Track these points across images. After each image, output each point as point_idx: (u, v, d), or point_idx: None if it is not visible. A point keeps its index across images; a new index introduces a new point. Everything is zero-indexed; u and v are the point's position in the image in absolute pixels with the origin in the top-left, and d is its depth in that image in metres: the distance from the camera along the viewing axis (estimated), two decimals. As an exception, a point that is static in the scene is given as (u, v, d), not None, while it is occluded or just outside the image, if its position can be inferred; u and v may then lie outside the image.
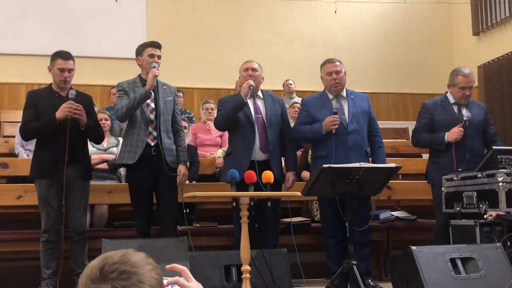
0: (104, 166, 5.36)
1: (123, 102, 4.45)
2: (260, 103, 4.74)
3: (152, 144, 4.46)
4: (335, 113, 4.50)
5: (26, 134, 4.51)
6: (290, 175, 4.72)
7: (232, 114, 4.58)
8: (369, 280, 4.46)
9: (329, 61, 4.74)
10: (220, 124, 4.80)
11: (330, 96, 4.73)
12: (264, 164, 4.49)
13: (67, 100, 4.33)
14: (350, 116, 4.61)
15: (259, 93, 4.78)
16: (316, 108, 4.70)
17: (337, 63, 4.71)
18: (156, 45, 4.61)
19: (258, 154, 4.57)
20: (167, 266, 1.66)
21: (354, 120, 4.62)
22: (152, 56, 4.53)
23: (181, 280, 1.60)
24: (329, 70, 4.69)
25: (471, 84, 4.74)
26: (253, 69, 4.70)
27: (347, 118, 4.60)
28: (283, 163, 4.84)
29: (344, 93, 4.73)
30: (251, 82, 4.56)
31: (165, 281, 1.47)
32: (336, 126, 4.47)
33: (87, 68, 8.26)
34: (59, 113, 4.23)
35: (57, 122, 4.24)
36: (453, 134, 4.56)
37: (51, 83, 4.51)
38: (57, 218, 4.31)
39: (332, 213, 4.50)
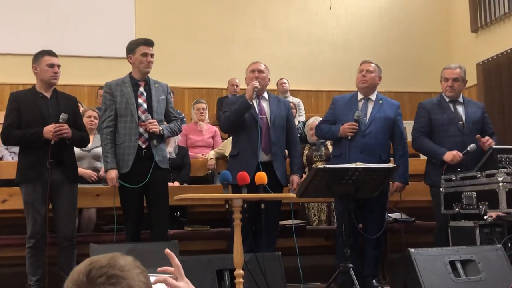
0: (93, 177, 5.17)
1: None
2: (265, 104, 4.74)
3: (144, 146, 4.38)
4: (356, 121, 4.57)
5: (7, 141, 4.46)
6: (295, 178, 4.71)
7: (237, 117, 4.59)
8: (374, 281, 4.52)
9: (365, 62, 4.86)
10: (225, 126, 4.84)
11: (359, 97, 4.78)
12: (267, 165, 4.49)
13: (52, 102, 4.32)
14: (370, 119, 4.66)
15: (265, 94, 4.79)
16: (342, 108, 4.78)
17: (373, 64, 4.81)
18: (149, 43, 4.52)
19: (261, 155, 4.57)
20: (158, 269, 1.66)
21: (372, 124, 4.64)
22: (145, 55, 4.46)
23: (170, 279, 1.58)
24: (361, 68, 4.81)
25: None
26: (259, 71, 4.72)
27: (366, 121, 4.65)
28: (286, 166, 4.82)
29: (373, 97, 4.77)
30: (256, 84, 4.58)
31: (152, 279, 1.44)
32: (353, 134, 4.55)
33: (74, 67, 8.12)
34: (47, 134, 4.15)
35: (42, 139, 4.16)
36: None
37: (34, 85, 4.43)
38: (43, 223, 4.22)
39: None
